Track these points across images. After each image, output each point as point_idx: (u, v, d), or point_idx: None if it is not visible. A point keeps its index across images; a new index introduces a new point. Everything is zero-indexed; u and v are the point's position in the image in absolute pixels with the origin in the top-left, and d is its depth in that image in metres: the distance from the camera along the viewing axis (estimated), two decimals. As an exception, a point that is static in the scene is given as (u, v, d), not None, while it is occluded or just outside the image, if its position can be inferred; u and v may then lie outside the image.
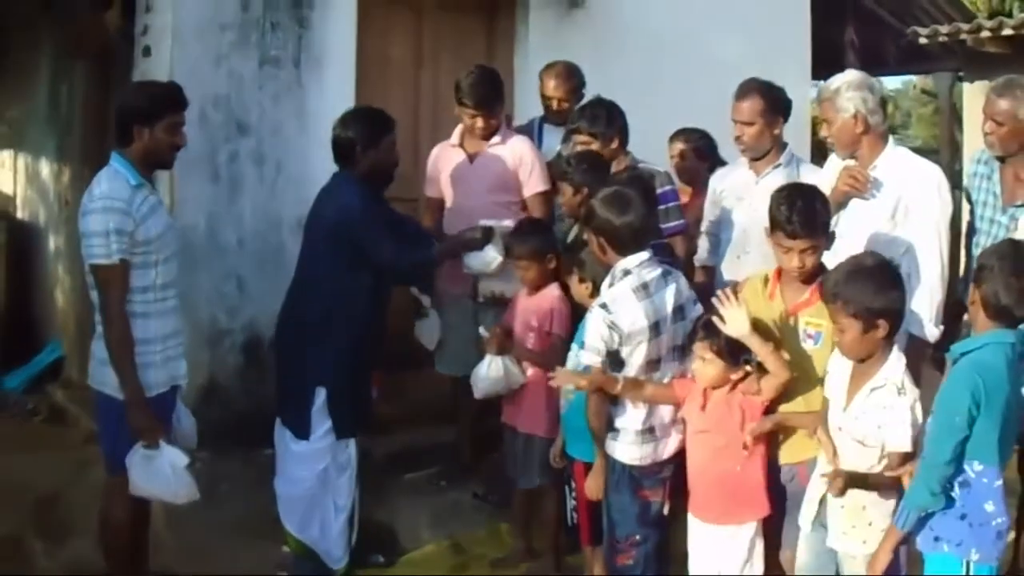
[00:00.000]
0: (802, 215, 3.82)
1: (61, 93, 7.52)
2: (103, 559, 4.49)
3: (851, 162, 4.42)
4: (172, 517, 4.92)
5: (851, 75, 4.45)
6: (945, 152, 11.20)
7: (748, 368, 3.89)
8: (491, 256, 5.12)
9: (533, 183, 5.59)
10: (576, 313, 4.73)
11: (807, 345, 3.91)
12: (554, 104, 5.96)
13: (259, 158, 6.03)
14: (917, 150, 16.36)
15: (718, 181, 5.27)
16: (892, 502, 3.58)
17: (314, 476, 4.80)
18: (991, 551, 3.48)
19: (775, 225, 3.89)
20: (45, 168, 7.90)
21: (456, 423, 5.96)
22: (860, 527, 3.61)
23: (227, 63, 5.94)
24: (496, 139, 5.58)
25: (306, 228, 4.95)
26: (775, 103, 4.96)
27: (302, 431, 4.77)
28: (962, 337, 4.60)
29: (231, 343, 5.97)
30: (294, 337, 4.86)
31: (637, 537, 4.12)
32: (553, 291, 4.93)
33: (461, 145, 5.66)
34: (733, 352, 3.87)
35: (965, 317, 4.58)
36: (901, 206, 4.30)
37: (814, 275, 3.89)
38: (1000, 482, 3.48)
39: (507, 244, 5.05)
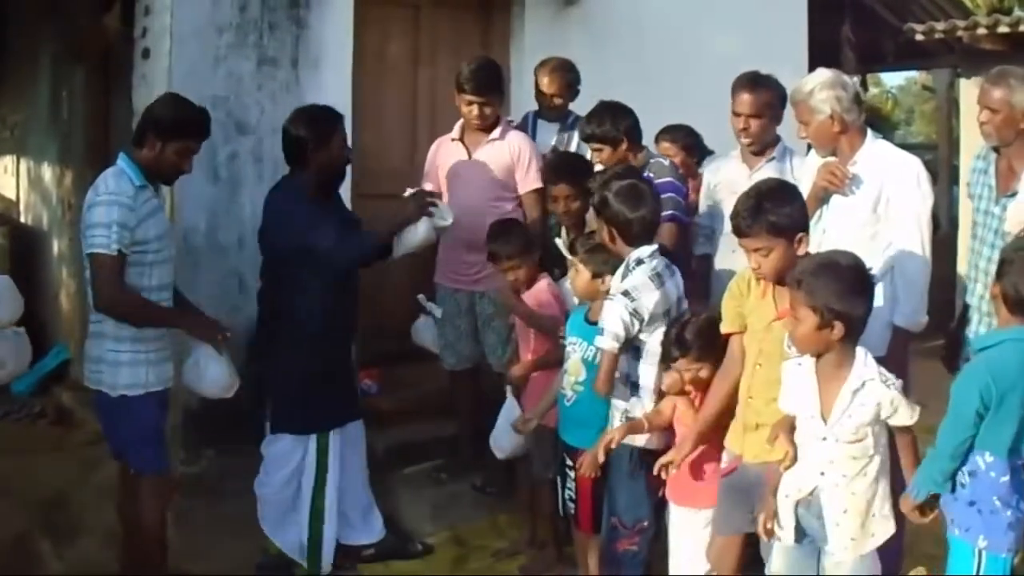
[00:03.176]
0: (748, 214, 3.70)
1: (62, 98, 7.58)
2: (117, 556, 4.56)
3: (832, 159, 4.41)
4: (178, 514, 4.98)
5: (823, 75, 4.41)
6: (944, 147, 11.25)
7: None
8: (422, 232, 4.90)
9: (530, 180, 5.65)
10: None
11: (790, 352, 3.73)
12: (548, 100, 6.00)
13: (258, 157, 6.08)
14: (919, 146, 16.35)
15: (712, 175, 5.29)
16: (891, 516, 3.54)
17: (282, 479, 4.85)
18: (1001, 540, 3.45)
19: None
20: (47, 172, 7.96)
21: (454, 417, 6.01)
22: (868, 524, 3.52)
23: (225, 64, 6.00)
24: (495, 134, 5.63)
25: (258, 237, 4.98)
26: (781, 97, 4.99)
27: (275, 427, 4.88)
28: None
29: (233, 341, 5.96)
30: (265, 338, 4.96)
31: (646, 523, 4.18)
32: (543, 284, 4.98)
33: (461, 139, 5.72)
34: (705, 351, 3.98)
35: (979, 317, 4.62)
36: (883, 199, 4.29)
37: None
38: (1007, 477, 3.44)
39: (491, 249, 5.05)
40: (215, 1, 5.96)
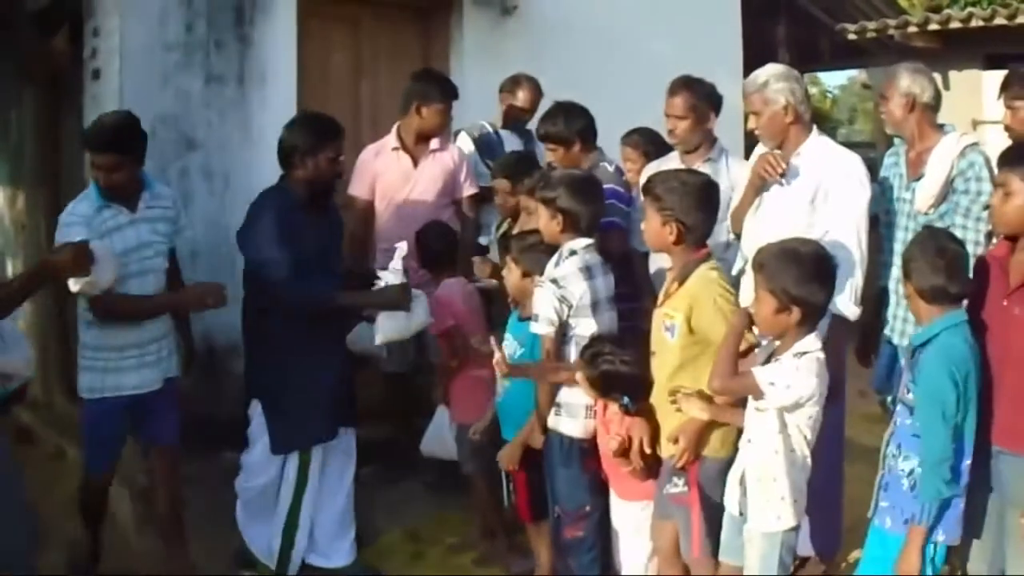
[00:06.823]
0: None
1: (12, 119, 7.58)
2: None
3: (777, 151, 4.50)
4: (137, 520, 5.07)
5: (775, 67, 4.56)
6: (881, 145, 11.44)
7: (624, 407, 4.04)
8: (419, 318, 4.78)
9: (468, 185, 5.90)
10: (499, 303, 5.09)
11: (665, 336, 3.93)
12: (521, 114, 6.20)
13: (208, 173, 6.19)
14: (861, 144, 16.29)
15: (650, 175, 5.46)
16: (802, 475, 3.62)
17: (257, 488, 4.84)
18: (955, 531, 3.58)
19: None
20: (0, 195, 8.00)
21: (392, 420, 6.18)
22: (773, 501, 3.59)
23: (174, 82, 6.11)
24: (435, 144, 5.81)
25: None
26: (706, 98, 5.14)
27: (246, 440, 4.86)
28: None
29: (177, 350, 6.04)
30: (244, 350, 4.99)
31: (587, 508, 4.29)
32: (451, 282, 5.28)
33: (404, 149, 5.86)
34: (606, 388, 4.07)
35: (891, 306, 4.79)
36: (820, 192, 4.38)
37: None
38: (969, 461, 3.53)
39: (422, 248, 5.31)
40: (162, 21, 6.07)
